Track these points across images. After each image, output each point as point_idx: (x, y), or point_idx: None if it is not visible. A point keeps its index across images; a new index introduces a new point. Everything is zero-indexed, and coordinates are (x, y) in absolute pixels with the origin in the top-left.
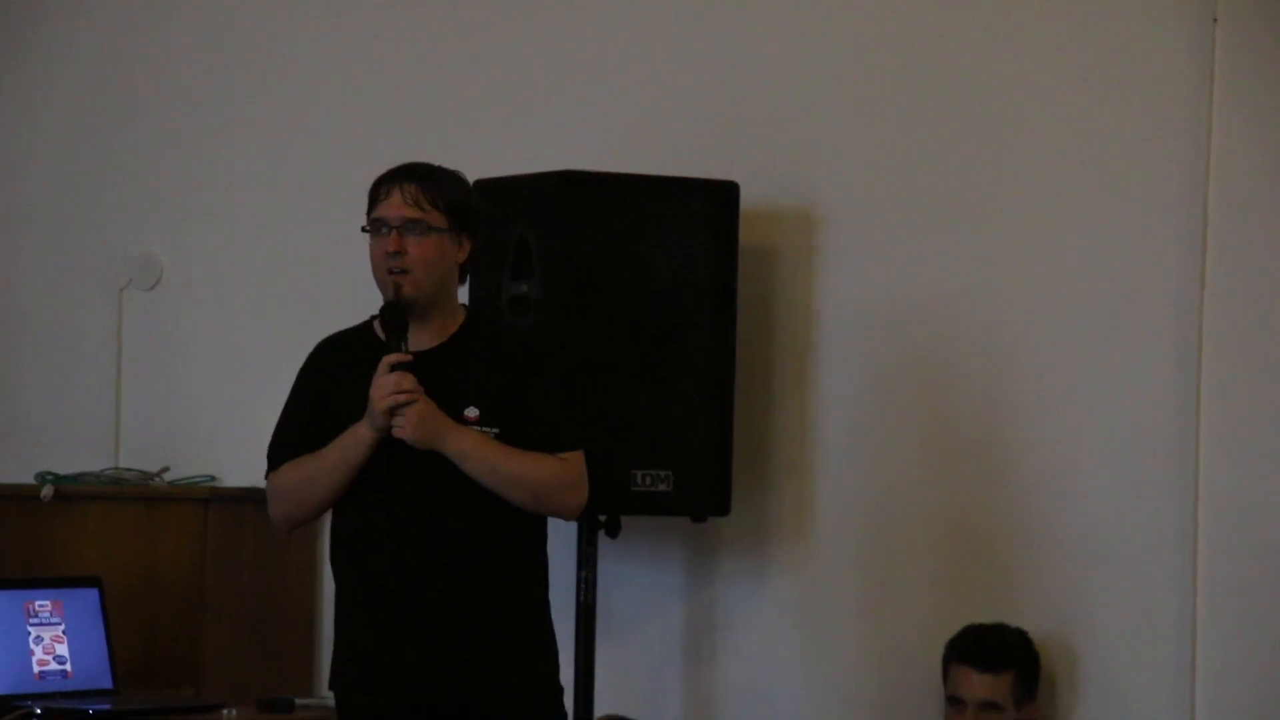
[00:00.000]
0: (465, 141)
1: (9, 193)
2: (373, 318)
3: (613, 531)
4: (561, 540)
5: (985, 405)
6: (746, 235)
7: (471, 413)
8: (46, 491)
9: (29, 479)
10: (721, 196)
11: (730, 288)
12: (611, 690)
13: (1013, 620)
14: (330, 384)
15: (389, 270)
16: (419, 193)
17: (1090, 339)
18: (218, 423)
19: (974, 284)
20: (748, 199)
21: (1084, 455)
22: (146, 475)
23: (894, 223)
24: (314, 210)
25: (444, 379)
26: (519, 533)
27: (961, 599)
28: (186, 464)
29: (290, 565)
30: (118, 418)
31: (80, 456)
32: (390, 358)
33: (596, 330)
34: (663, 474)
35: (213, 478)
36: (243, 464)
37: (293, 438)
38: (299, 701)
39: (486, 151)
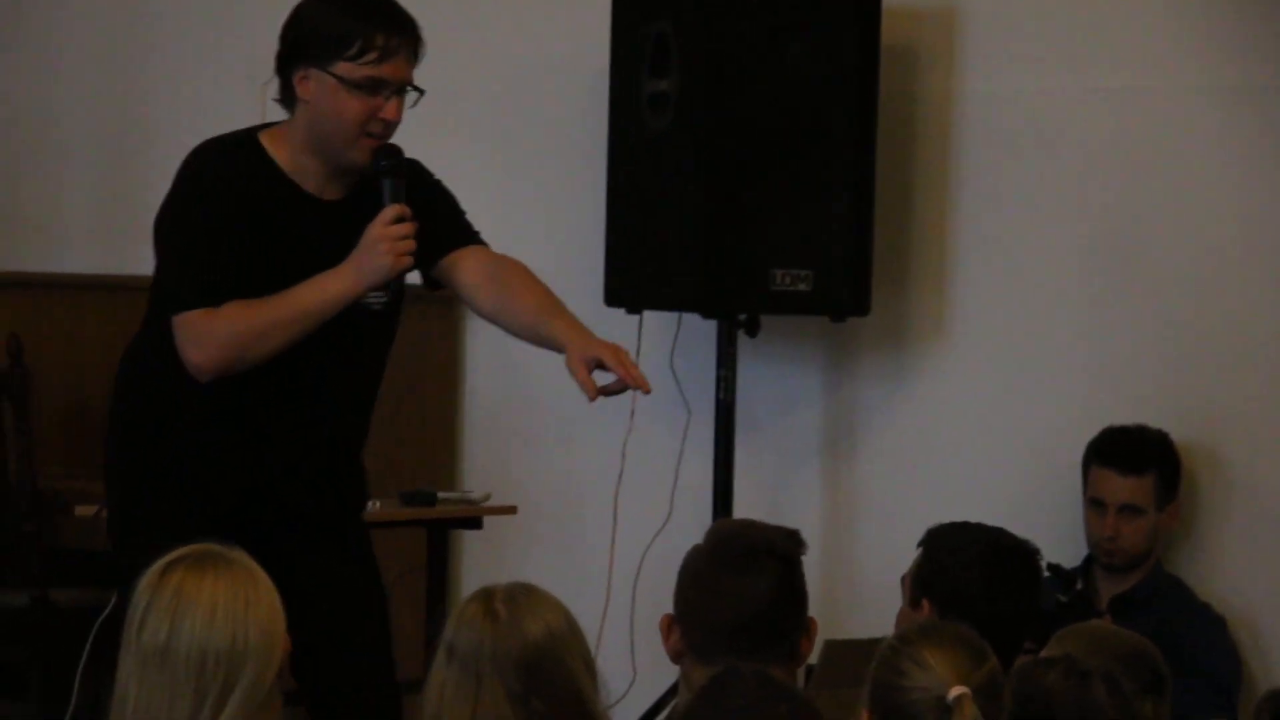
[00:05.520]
0: None
1: None
2: (256, 130)
3: (752, 330)
4: (701, 339)
5: (1130, 204)
6: (888, 34)
7: None
8: None
9: None
10: None
11: (872, 86)
12: (750, 489)
13: (1154, 422)
14: (245, 217)
15: (368, 134)
16: (415, 53)
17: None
18: None
19: (1117, 82)
20: None
21: (1228, 255)
22: None
23: (1036, 20)
24: None
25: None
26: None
27: (1102, 400)
28: None
29: (431, 360)
30: None
31: None
32: (399, 208)
33: (736, 129)
34: (803, 273)
35: None
36: None
37: (224, 276)
38: (441, 495)
39: None
